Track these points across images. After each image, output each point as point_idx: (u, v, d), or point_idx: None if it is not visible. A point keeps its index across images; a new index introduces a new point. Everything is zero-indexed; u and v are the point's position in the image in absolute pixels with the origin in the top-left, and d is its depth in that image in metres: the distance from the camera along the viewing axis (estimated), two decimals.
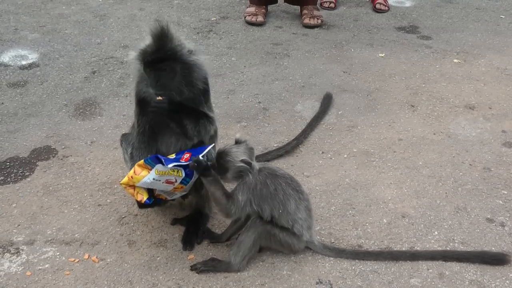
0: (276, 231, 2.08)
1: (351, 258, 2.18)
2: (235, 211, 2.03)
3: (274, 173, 2.07)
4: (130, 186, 2.01)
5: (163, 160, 1.94)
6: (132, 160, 2.16)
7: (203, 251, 2.22)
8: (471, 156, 2.83)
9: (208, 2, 4.88)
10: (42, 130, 2.98)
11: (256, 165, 2.07)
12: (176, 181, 1.99)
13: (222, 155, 2.04)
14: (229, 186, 2.13)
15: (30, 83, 3.46)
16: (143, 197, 2.01)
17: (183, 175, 1.99)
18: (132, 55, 2.06)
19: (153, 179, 1.94)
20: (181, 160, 1.99)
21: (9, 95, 3.31)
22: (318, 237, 2.25)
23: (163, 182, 1.97)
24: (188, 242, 2.22)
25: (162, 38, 1.98)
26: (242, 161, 2.01)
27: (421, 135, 3.00)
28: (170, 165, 1.93)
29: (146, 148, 2.16)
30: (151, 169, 1.93)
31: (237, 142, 2.09)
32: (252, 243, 2.08)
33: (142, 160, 1.96)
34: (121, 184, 2.03)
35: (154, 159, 1.94)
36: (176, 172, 1.97)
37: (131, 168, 2.03)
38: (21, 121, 3.07)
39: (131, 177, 1.96)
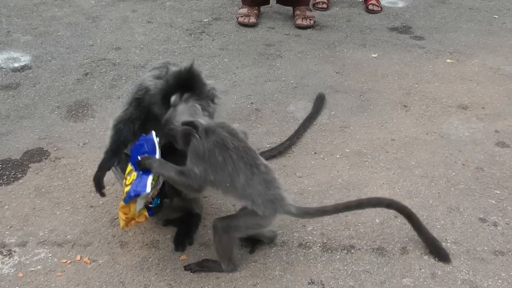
0: (234, 220, 2.01)
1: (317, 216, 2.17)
2: (199, 185, 1.91)
3: (224, 144, 1.89)
4: (130, 220, 1.99)
5: (140, 193, 1.91)
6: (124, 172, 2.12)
7: (195, 252, 2.21)
8: (464, 156, 2.84)
9: (201, 3, 4.88)
10: (34, 132, 2.97)
11: (204, 123, 1.92)
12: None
13: (165, 123, 1.95)
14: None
15: (22, 85, 3.45)
16: (145, 212, 2.01)
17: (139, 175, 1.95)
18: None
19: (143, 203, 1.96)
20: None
21: (1, 98, 3.30)
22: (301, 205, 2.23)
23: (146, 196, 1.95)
24: (180, 243, 2.22)
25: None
26: (184, 123, 1.90)
27: (414, 135, 3.01)
28: (144, 192, 1.90)
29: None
30: (135, 202, 1.93)
31: (174, 105, 1.97)
32: (225, 245, 2.04)
33: (122, 202, 1.95)
34: (123, 228, 2.04)
35: (130, 197, 1.91)
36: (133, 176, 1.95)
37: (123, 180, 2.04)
38: (14, 123, 3.06)
39: (126, 218, 1.97)
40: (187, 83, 2.01)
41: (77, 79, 3.55)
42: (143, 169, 1.94)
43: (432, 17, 4.70)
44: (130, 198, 1.91)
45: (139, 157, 1.95)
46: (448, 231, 2.34)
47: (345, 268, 2.15)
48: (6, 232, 2.29)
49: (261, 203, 1.91)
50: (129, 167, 1.99)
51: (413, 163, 2.78)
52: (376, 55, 3.96)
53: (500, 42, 4.21)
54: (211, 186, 1.95)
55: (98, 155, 2.73)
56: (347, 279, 2.10)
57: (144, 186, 1.90)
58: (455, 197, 2.54)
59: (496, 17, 4.73)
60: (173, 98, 1.98)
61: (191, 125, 1.90)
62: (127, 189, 1.94)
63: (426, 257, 2.20)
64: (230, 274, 2.10)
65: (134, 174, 1.95)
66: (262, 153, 2.76)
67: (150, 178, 1.92)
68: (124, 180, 1.99)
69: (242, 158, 1.89)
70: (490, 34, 4.35)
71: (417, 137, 2.99)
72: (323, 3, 4.82)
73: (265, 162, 1.97)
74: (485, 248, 2.25)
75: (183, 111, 1.95)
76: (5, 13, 4.54)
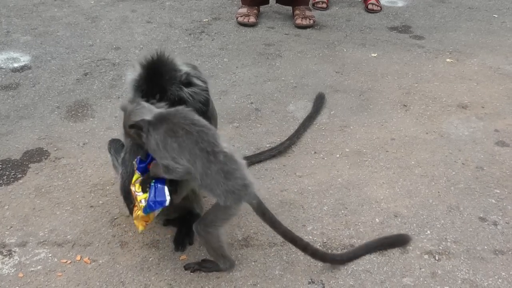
0: (208, 218, 1.99)
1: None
2: (184, 168, 1.86)
3: (174, 131, 1.84)
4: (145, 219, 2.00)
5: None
6: (124, 165, 2.14)
7: (195, 252, 2.21)
8: (463, 155, 2.83)
9: (200, 3, 4.88)
10: (34, 132, 2.97)
11: (150, 118, 1.88)
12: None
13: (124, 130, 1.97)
14: None
15: (22, 86, 3.45)
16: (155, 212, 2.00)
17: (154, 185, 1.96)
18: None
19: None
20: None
21: (1, 98, 3.30)
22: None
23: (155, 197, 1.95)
24: (180, 243, 2.22)
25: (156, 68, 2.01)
26: (131, 126, 1.90)
27: (414, 135, 3.01)
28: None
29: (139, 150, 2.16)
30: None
31: (123, 109, 1.97)
32: (213, 244, 2.02)
33: (139, 212, 1.95)
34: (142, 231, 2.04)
35: (152, 209, 1.93)
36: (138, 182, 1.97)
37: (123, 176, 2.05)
38: (13, 123, 3.05)
39: (146, 224, 1.99)
40: (155, 72, 2.02)
41: (76, 79, 3.55)
42: (154, 177, 1.95)
43: (432, 16, 4.70)
44: (152, 210, 1.92)
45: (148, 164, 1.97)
46: (448, 230, 2.34)
47: (345, 267, 2.14)
48: (6, 232, 2.29)
49: (221, 194, 1.87)
50: (136, 175, 1.99)
51: (413, 162, 2.78)
52: (376, 54, 3.96)
53: (500, 41, 4.21)
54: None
55: (98, 155, 2.77)
56: (347, 279, 2.10)
57: (163, 195, 1.91)
58: (455, 196, 2.54)
59: (496, 16, 4.73)
60: (120, 104, 2.02)
61: (136, 126, 1.89)
62: (142, 197, 1.93)
63: (426, 256, 2.20)
64: (230, 273, 2.10)
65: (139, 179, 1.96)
66: (262, 153, 2.77)
67: (166, 187, 1.93)
68: (133, 187, 1.98)
69: (196, 144, 1.83)
70: (489, 34, 4.35)
71: (417, 137, 2.99)
72: (323, 2, 4.82)
73: (226, 149, 1.88)
74: (485, 247, 2.25)
75: (131, 114, 1.93)
76: (4, 14, 4.54)
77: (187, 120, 1.87)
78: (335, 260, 2.15)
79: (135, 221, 2.01)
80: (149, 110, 1.92)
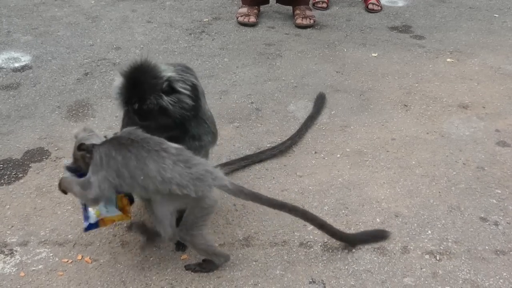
0: (187, 221, 1.97)
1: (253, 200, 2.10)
2: (97, 193, 1.89)
3: (119, 143, 1.89)
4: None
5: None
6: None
7: (196, 252, 2.21)
8: (464, 155, 2.84)
9: (200, 3, 4.88)
10: (35, 132, 2.97)
11: (98, 140, 1.94)
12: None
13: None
14: None
15: (23, 85, 3.45)
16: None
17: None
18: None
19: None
20: None
21: (2, 97, 3.30)
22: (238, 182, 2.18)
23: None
24: (181, 243, 2.21)
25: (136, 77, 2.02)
26: (79, 148, 1.94)
27: (414, 135, 3.01)
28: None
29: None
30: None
31: (75, 136, 2.02)
32: (201, 246, 2.03)
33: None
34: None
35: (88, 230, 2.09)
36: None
37: None
38: (14, 123, 3.06)
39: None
40: (135, 80, 2.01)
41: (77, 79, 3.55)
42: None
43: (432, 16, 4.70)
44: (89, 230, 2.08)
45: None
46: (449, 231, 2.34)
47: (346, 267, 2.15)
48: (8, 232, 2.29)
49: (188, 184, 1.86)
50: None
51: (413, 162, 2.78)
52: (376, 54, 3.96)
53: (501, 41, 4.21)
54: (127, 189, 1.94)
55: None
56: (348, 279, 2.10)
57: (88, 218, 2.02)
58: (456, 197, 2.54)
59: (497, 16, 4.73)
60: (74, 131, 2.06)
61: (83, 148, 1.94)
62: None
63: (427, 256, 2.20)
64: (231, 273, 2.10)
65: None
66: (262, 152, 2.77)
67: (92, 210, 2.02)
68: None
69: (142, 148, 1.86)
70: (490, 33, 4.35)
71: (418, 137, 2.99)
72: (323, 2, 4.82)
73: (175, 145, 1.92)
74: (486, 247, 2.25)
75: (81, 140, 1.97)
76: (5, 13, 4.54)
77: (131, 135, 1.91)
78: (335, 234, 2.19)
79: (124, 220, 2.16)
80: (99, 138, 1.97)
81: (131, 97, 2.03)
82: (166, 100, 2.02)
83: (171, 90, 2.04)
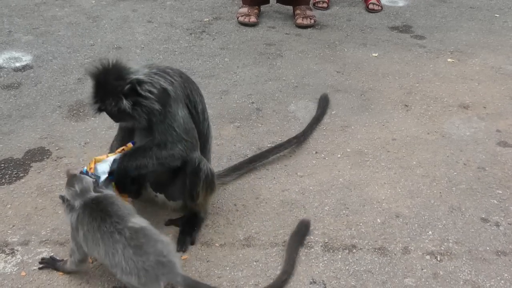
0: None
1: None
2: (79, 259, 1.98)
3: (92, 211, 1.88)
4: None
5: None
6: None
7: (197, 252, 2.21)
8: (465, 156, 2.83)
9: (201, 3, 4.88)
10: (36, 132, 2.97)
11: (71, 198, 1.92)
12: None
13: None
14: None
15: (24, 85, 3.45)
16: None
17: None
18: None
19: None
20: None
21: (3, 97, 3.30)
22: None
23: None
24: (182, 243, 2.22)
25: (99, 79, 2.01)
26: (60, 196, 1.96)
27: (415, 135, 3.01)
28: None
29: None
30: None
31: (67, 174, 2.02)
32: None
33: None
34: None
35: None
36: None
37: None
38: (15, 122, 3.06)
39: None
40: (99, 82, 2.00)
41: (78, 79, 3.55)
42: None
43: (433, 16, 4.70)
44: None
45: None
46: (450, 231, 2.34)
47: (347, 268, 2.15)
48: (9, 231, 2.30)
49: (133, 272, 1.78)
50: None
51: (414, 162, 2.78)
52: (377, 54, 3.96)
53: (502, 41, 4.21)
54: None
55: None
56: (349, 279, 2.10)
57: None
58: (456, 197, 2.54)
59: (498, 16, 4.73)
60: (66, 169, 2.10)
61: (62, 198, 1.95)
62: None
63: (428, 257, 2.20)
64: (232, 273, 2.10)
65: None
66: (269, 150, 2.75)
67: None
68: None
69: (100, 226, 1.84)
70: (491, 33, 4.35)
71: (418, 137, 2.99)
72: (324, 2, 4.82)
73: (138, 224, 1.85)
74: (487, 248, 2.25)
75: (66, 185, 1.97)
76: (6, 13, 4.54)
77: (103, 203, 1.89)
78: None
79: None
80: (82, 190, 1.92)
81: (95, 97, 2.01)
82: (125, 103, 1.97)
83: (133, 93, 1.99)
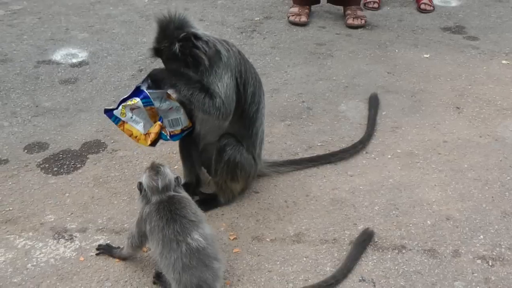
0: None
1: None
2: (135, 244, 2.06)
3: (164, 211, 1.94)
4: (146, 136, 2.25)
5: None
6: None
7: (248, 246, 2.25)
8: None
9: (252, 2, 4.93)
10: (92, 125, 3.08)
11: (155, 193, 1.98)
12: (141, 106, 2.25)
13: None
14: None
15: (80, 80, 3.58)
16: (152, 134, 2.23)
17: (138, 100, 2.25)
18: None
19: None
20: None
21: (61, 91, 3.44)
22: None
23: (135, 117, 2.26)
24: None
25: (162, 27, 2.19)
26: (139, 184, 2.03)
27: (467, 138, 2.97)
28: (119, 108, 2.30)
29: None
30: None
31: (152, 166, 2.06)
32: None
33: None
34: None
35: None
36: (130, 102, 2.25)
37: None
38: (72, 116, 3.18)
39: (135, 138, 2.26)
40: (162, 26, 2.20)
41: (132, 75, 3.65)
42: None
43: (487, 16, 4.60)
44: (107, 115, 2.33)
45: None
46: (502, 236, 2.30)
47: (396, 267, 2.15)
48: (68, 218, 2.40)
49: (175, 280, 1.89)
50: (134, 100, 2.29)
51: (465, 165, 2.74)
52: (428, 55, 3.91)
53: None
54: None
55: (152, 149, 2.83)
56: (398, 279, 2.10)
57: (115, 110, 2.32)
58: (509, 202, 2.49)
59: None
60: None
61: (139, 185, 2.03)
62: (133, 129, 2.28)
63: (479, 261, 2.18)
64: (282, 268, 2.13)
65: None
66: (333, 154, 2.77)
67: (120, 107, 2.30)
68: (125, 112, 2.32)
69: (162, 229, 1.92)
70: None
71: (470, 140, 2.95)
72: (374, 2, 4.79)
73: (193, 242, 1.90)
74: None
75: (145, 173, 2.05)
76: (63, 12, 4.71)
77: (172, 206, 1.95)
78: None
79: (139, 142, 2.25)
80: (164, 188, 1.98)
81: (155, 41, 2.20)
82: (177, 46, 2.12)
83: (188, 43, 2.13)
